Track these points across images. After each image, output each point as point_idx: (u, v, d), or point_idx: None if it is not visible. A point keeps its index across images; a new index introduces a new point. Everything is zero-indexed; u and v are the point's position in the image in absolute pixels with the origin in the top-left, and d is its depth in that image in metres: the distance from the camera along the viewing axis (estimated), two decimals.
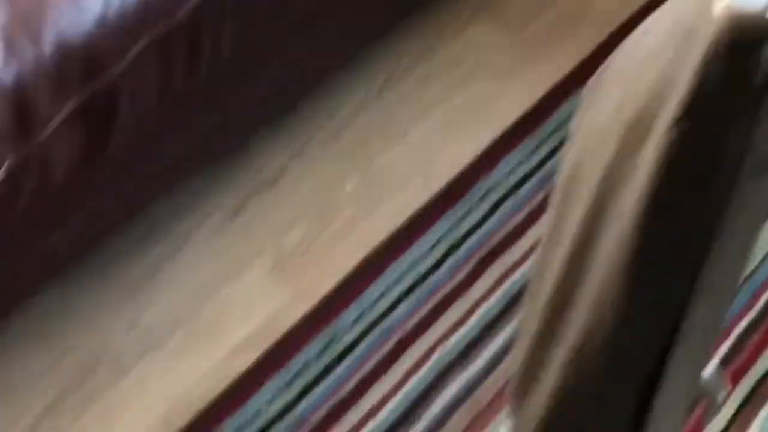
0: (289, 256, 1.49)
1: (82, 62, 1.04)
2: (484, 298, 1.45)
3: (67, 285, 1.40)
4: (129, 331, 1.39)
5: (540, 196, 1.56)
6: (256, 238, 1.50)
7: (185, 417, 1.32)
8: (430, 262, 1.48)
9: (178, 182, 1.48)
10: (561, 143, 1.62)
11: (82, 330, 1.38)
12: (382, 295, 1.44)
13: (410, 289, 1.45)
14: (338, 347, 1.39)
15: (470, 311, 1.43)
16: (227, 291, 1.45)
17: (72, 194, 1.15)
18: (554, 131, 1.64)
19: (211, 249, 1.49)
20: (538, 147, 1.62)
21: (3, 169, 1.00)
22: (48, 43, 1.01)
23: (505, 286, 1.46)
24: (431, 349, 1.39)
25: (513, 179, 1.58)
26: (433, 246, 1.50)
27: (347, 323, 1.41)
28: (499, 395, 1.36)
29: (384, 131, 1.64)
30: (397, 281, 1.46)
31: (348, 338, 1.40)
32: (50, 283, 1.36)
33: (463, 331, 1.41)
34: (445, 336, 1.41)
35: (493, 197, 1.56)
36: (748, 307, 1.45)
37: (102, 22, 1.05)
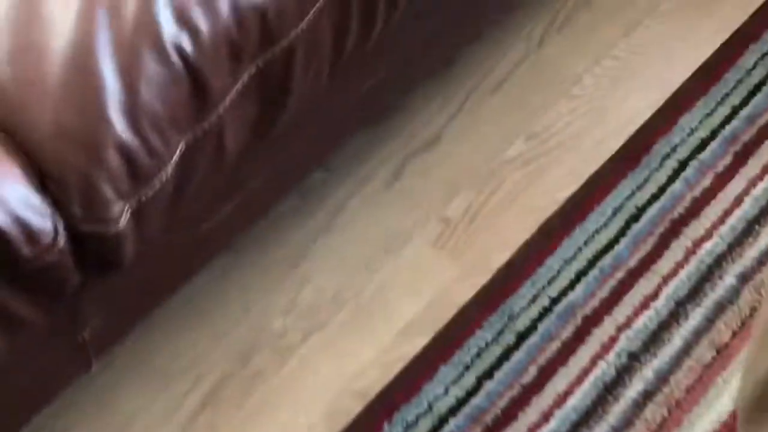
0: (453, 227, 1.37)
1: (259, 30, 0.92)
2: (672, 274, 1.31)
3: (221, 266, 1.30)
4: (288, 311, 1.29)
5: (727, 159, 1.41)
6: (416, 207, 1.38)
7: (352, 409, 1.22)
8: (609, 233, 1.34)
9: (331, 150, 1.37)
10: (747, 96, 1.47)
11: (240, 311, 1.28)
12: (559, 272, 1.31)
13: (590, 264, 1.32)
14: (515, 329, 1.27)
15: (658, 289, 1.30)
16: (389, 266, 1.33)
17: (237, 170, 1.04)
18: (739, 82, 1.48)
19: (368, 220, 1.37)
20: (722, 101, 1.46)
21: (178, 151, 0.89)
22: (224, 12, 0.89)
23: (695, 259, 1.32)
24: (618, 332, 1.27)
25: (696, 138, 1.43)
26: (612, 215, 1.36)
27: (523, 302, 1.29)
28: (693, 386, 1.23)
29: (547, 86, 1.50)
30: (574, 255, 1.33)
31: (525, 319, 1.28)
32: (205, 264, 1.26)
33: (651, 311, 1.28)
34: (633, 316, 1.28)
35: (675, 159, 1.41)
36: None
37: None
